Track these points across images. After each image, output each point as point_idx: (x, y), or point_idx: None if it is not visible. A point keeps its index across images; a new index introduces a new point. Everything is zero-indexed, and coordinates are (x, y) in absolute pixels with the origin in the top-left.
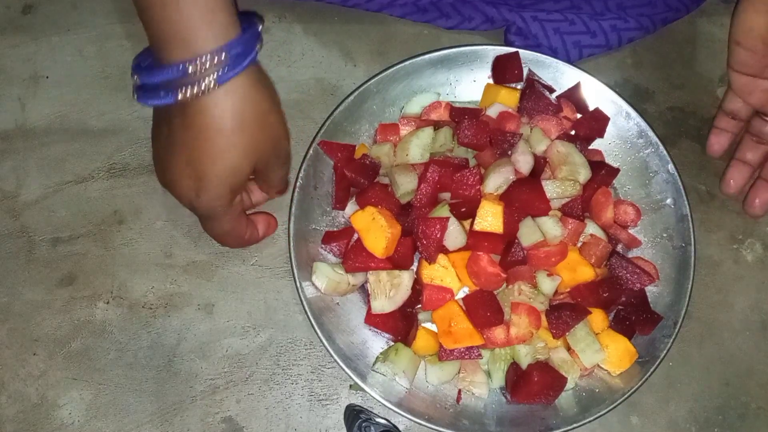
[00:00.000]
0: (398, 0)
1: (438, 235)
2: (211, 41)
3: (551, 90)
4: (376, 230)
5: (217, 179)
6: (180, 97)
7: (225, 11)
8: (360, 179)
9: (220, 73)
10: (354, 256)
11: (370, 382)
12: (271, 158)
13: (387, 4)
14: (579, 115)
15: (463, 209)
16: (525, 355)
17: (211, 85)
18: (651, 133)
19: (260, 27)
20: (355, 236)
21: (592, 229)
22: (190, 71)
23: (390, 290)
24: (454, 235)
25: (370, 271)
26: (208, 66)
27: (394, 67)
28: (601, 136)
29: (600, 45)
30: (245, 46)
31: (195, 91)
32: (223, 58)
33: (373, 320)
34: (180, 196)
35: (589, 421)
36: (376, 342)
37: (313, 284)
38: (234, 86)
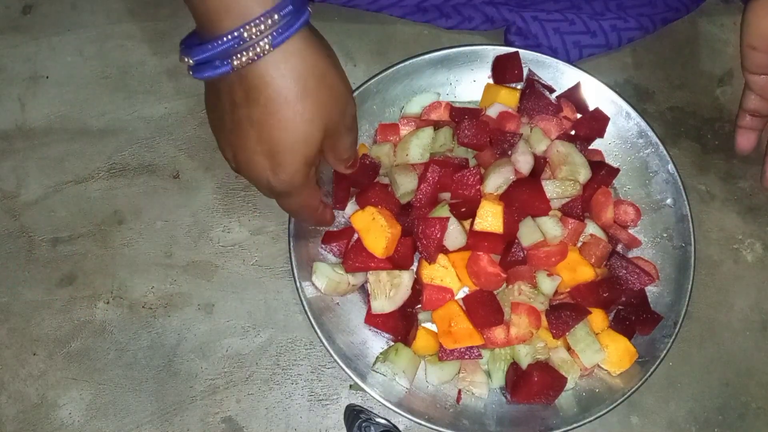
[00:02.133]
0: (399, 0)
1: (438, 235)
2: (260, 5)
3: (551, 90)
4: (376, 230)
5: (291, 152)
6: (236, 63)
7: None
8: (360, 179)
9: (274, 35)
10: (354, 256)
11: (370, 382)
12: (339, 122)
13: (388, 5)
14: (579, 115)
15: (463, 209)
16: (525, 355)
17: (267, 48)
18: (651, 133)
19: None
20: (355, 236)
21: (592, 229)
22: (244, 36)
23: (390, 290)
24: (454, 235)
25: (370, 271)
26: (262, 29)
27: (394, 67)
28: (601, 136)
29: (600, 45)
30: (295, 6)
31: (251, 56)
32: (276, 18)
33: (373, 320)
34: (257, 177)
35: (589, 421)
36: (376, 342)
37: (313, 284)
38: (290, 48)
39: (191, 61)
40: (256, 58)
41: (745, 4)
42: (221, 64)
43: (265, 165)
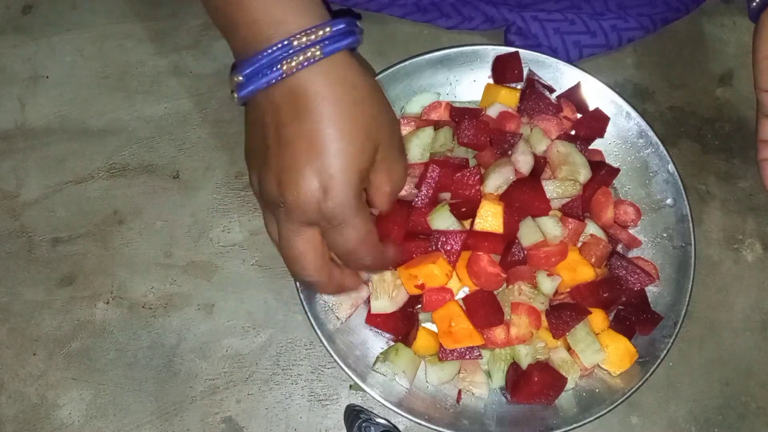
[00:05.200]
0: (399, 0)
1: (458, 248)
2: (309, 18)
3: (551, 90)
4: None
5: (346, 165)
6: (285, 67)
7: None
8: None
9: (325, 43)
10: None
11: (370, 382)
12: (391, 139)
13: (387, 4)
14: (579, 115)
15: (463, 209)
16: (525, 355)
17: (318, 54)
18: (651, 133)
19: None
20: None
21: (592, 229)
22: (294, 44)
23: (393, 290)
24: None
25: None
26: (312, 38)
27: (394, 67)
28: (601, 136)
29: (600, 45)
30: (348, 26)
31: (301, 60)
32: (327, 30)
33: (374, 320)
34: (304, 200)
35: (589, 421)
36: (376, 342)
37: (332, 309)
38: (340, 59)
39: (240, 78)
40: (306, 63)
41: (757, 17)
42: (270, 71)
43: (316, 184)
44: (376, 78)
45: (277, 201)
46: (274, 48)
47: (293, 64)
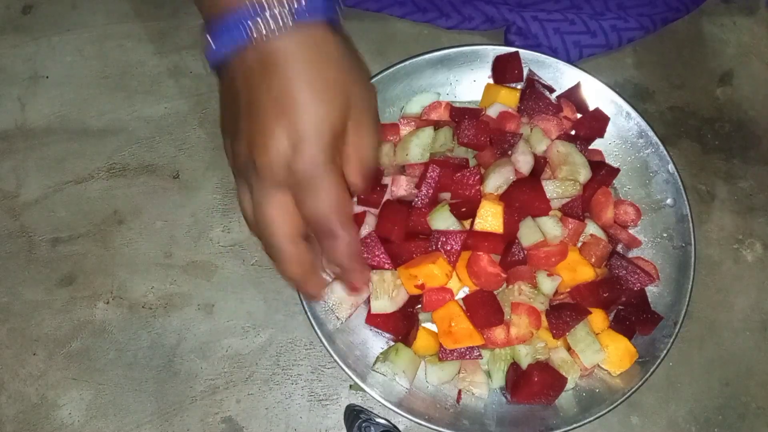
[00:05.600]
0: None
1: (458, 248)
2: None
3: (551, 90)
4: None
5: (316, 123)
6: (255, 32)
7: None
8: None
9: (297, 9)
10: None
11: (370, 382)
12: (364, 106)
13: (387, 4)
14: (579, 115)
15: (463, 209)
16: (525, 355)
17: (288, 20)
18: (651, 133)
19: None
20: (362, 231)
21: (592, 229)
22: (264, 3)
23: (393, 290)
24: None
25: (374, 271)
26: (286, 3)
27: (394, 67)
28: (601, 136)
29: (600, 45)
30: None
31: (271, 25)
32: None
33: (374, 320)
34: (275, 160)
35: (589, 421)
36: (376, 342)
37: (332, 309)
38: (313, 26)
39: (210, 40)
40: (277, 28)
41: None
42: (239, 35)
43: (285, 142)
44: (376, 78)
45: (249, 165)
46: (244, 10)
47: (263, 28)
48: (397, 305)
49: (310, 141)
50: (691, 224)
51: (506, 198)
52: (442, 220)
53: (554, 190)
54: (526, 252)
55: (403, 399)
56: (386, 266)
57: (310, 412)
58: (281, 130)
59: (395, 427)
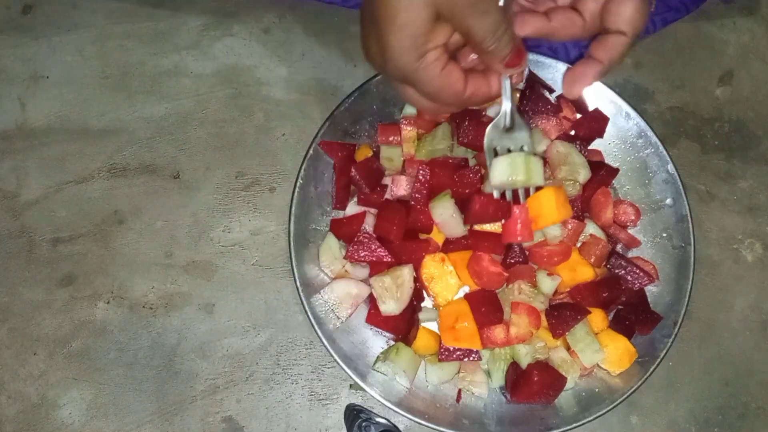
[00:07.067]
0: None
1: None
2: None
3: (551, 90)
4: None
5: (394, 31)
6: None
7: None
8: (364, 181)
9: None
10: (357, 247)
11: (370, 381)
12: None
13: None
14: (578, 116)
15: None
16: (525, 355)
17: None
18: (651, 133)
19: None
20: (363, 227)
21: (591, 229)
22: None
23: (396, 291)
24: (453, 224)
25: (374, 278)
26: None
27: None
28: (601, 136)
29: None
30: None
31: None
32: None
33: (374, 320)
34: (376, 66)
35: (589, 421)
36: (377, 341)
37: (332, 309)
38: None
39: None
40: None
41: None
42: None
43: (376, 49)
44: (377, 79)
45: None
46: None
47: None
48: (405, 302)
49: (392, 49)
50: (690, 224)
51: None
52: (444, 209)
53: None
54: (526, 252)
55: (403, 398)
56: (386, 259)
57: (310, 411)
58: (373, 41)
59: (395, 426)
